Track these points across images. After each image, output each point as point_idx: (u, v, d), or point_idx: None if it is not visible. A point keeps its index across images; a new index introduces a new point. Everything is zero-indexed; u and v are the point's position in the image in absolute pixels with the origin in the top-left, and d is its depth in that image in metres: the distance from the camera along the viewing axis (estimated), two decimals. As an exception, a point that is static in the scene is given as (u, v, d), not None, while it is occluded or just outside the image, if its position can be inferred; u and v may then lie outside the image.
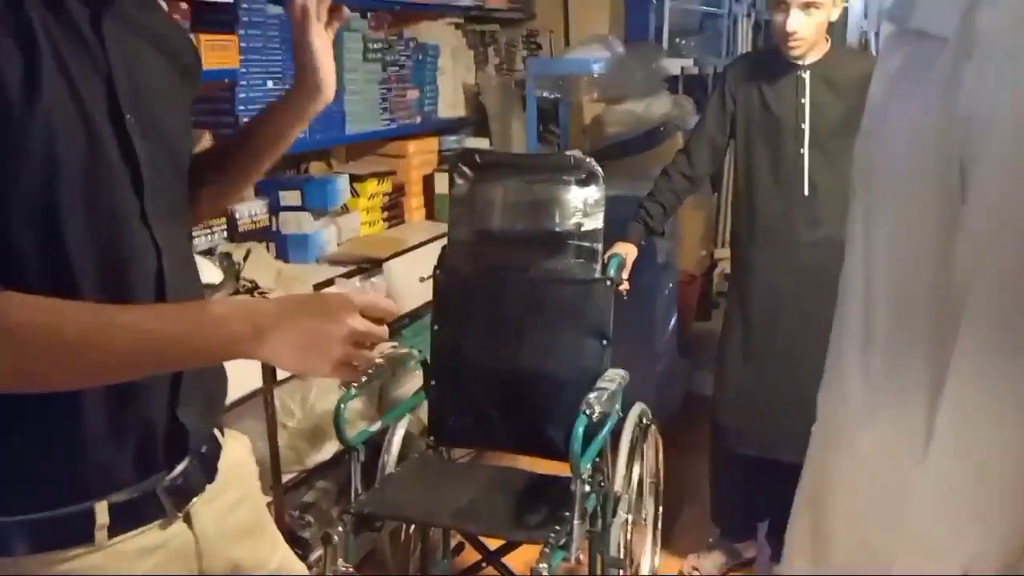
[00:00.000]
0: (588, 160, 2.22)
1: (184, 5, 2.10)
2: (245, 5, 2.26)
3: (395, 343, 2.47)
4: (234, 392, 1.89)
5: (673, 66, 4.39)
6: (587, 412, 1.87)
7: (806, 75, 2.26)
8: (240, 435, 1.22)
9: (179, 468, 1.02)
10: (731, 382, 2.44)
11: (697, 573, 2.58)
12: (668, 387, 3.38)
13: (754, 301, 2.38)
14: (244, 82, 2.28)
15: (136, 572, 0.97)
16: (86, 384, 0.88)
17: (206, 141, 2.18)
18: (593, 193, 2.20)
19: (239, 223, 2.40)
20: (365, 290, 2.49)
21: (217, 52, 2.18)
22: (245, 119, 2.28)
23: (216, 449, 1.12)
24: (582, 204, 2.20)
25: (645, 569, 2.46)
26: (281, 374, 2.15)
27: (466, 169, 2.29)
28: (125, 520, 0.95)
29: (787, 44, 2.21)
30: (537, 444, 2.24)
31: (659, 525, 2.53)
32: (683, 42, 5.04)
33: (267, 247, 2.47)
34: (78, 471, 0.92)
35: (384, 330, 0.92)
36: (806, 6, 2.16)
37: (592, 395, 1.93)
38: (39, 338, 0.80)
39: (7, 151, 0.82)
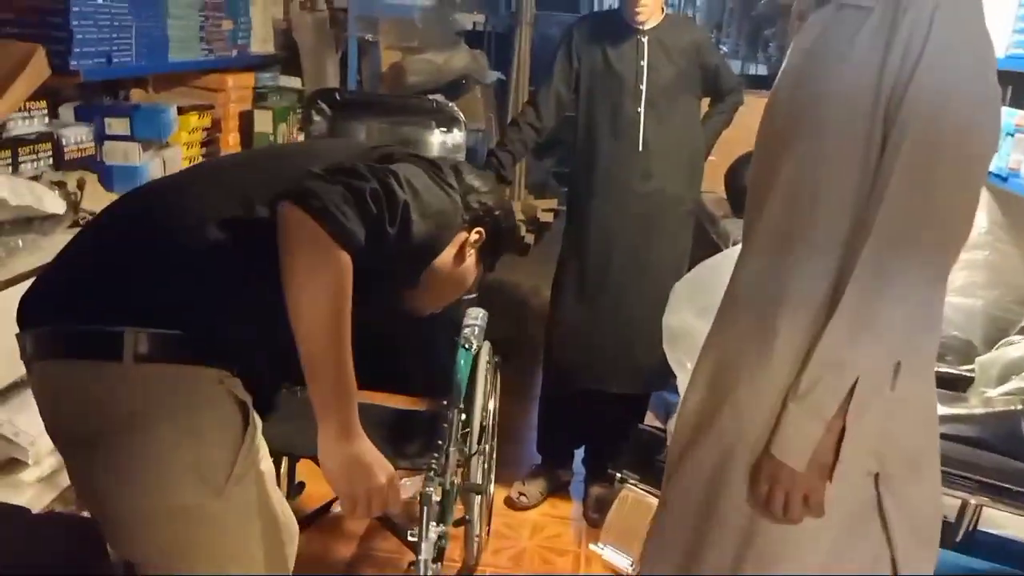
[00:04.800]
0: (450, 105, 2.30)
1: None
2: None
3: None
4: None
5: (466, 21, 4.50)
6: (466, 346, 1.98)
7: (644, 39, 2.48)
8: None
9: None
10: (566, 322, 2.65)
11: (524, 498, 2.78)
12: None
13: (590, 246, 2.59)
14: (77, -6, 2.07)
15: None
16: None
17: (41, 57, 1.97)
18: (455, 137, 2.28)
19: (65, 150, 2.19)
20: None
21: (51, -43, 1.97)
22: (79, 35, 2.08)
23: None
24: (445, 147, 2.28)
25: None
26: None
27: (325, 107, 2.27)
28: None
29: (634, 10, 2.42)
30: (392, 380, 2.30)
31: (495, 455, 2.70)
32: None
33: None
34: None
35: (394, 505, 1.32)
36: None
37: (466, 330, 2.04)
38: (323, 299, 1.19)
39: None
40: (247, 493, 1.28)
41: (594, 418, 2.77)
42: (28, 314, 1.28)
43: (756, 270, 1.34)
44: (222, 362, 1.25)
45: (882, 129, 1.16)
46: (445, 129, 2.27)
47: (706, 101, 2.72)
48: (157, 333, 1.20)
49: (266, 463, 1.35)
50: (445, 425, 1.99)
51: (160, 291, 1.23)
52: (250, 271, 1.25)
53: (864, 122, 1.17)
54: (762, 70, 5.43)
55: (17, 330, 1.28)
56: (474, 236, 1.51)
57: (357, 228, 1.20)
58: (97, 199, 2.12)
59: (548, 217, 5.24)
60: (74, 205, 2.04)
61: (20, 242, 1.82)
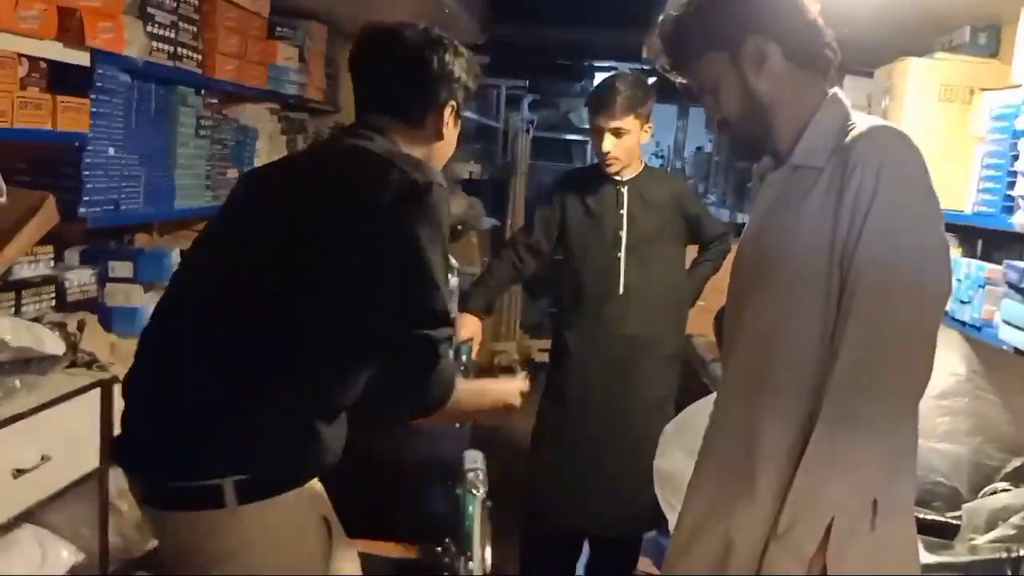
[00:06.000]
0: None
1: (43, 64, 2.01)
2: (100, 70, 2.19)
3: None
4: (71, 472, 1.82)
5: (463, 170, 4.70)
6: (474, 492, 1.98)
7: (624, 189, 2.60)
8: None
9: None
10: (545, 462, 2.65)
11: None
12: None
13: (569, 388, 2.63)
14: (91, 147, 2.19)
15: None
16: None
17: (50, 205, 2.06)
18: (450, 282, 2.34)
19: (68, 292, 2.25)
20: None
21: (70, 115, 2.09)
22: (89, 184, 2.18)
23: None
24: (438, 292, 2.34)
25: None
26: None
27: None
28: None
29: (604, 163, 2.56)
30: (387, 529, 2.28)
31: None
32: (465, 147, 5.40)
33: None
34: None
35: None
36: (615, 132, 2.52)
37: (470, 475, 2.05)
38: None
39: None
40: None
41: (586, 563, 2.71)
42: (127, 458, 1.50)
43: (732, 412, 1.38)
44: (311, 472, 1.47)
45: (839, 278, 1.23)
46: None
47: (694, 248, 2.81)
48: (250, 479, 1.37)
49: (350, 565, 1.56)
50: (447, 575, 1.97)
51: (243, 435, 1.40)
52: (311, 388, 1.44)
53: (821, 272, 1.24)
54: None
55: None
56: (448, 110, 1.65)
57: (450, 380, 1.50)
58: (96, 339, 2.17)
59: (544, 357, 5.28)
60: (73, 346, 2.08)
61: (18, 382, 1.85)
